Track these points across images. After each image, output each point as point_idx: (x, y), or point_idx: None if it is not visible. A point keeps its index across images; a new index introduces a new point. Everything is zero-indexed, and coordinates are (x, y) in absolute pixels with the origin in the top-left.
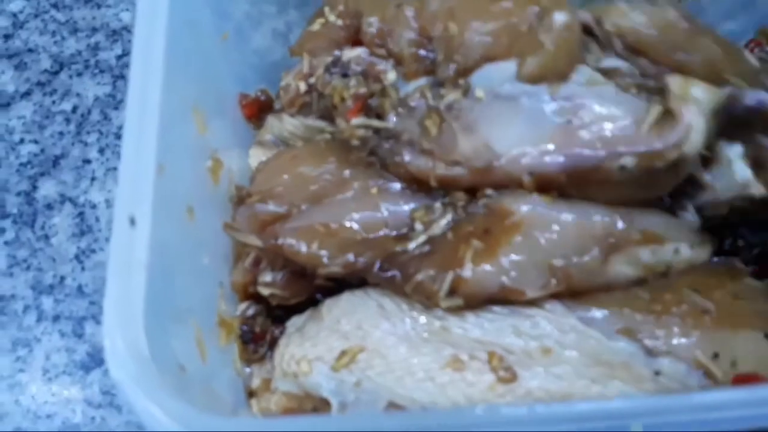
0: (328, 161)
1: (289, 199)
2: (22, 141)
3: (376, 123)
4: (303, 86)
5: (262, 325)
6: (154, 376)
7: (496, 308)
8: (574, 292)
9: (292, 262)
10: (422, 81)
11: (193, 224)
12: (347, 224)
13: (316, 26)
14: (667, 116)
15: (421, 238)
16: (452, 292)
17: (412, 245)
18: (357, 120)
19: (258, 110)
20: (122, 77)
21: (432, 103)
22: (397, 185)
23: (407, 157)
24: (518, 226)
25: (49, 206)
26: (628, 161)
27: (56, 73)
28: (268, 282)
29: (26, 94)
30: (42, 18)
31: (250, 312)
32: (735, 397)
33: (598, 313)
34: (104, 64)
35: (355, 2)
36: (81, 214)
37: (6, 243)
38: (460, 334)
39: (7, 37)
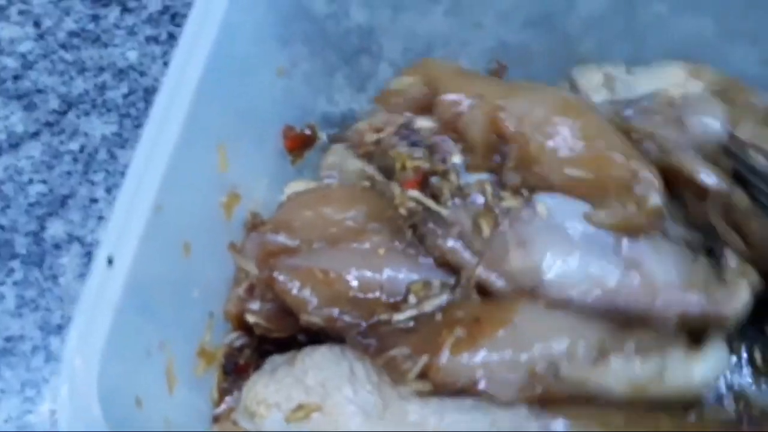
0: (357, 208)
1: (302, 235)
2: (30, 181)
3: (431, 204)
4: (372, 137)
5: (248, 359)
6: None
7: (463, 399)
8: (546, 400)
9: (279, 299)
10: (484, 176)
11: (188, 260)
12: (345, 277)
13: (400, 84)
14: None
15: (409, 313)
16: (423, 375)
17: (398, 317)
18: (414, 193)
19: (301, 144)
20: (128, 116)
21: (490, 202)
22: (409, 252)
23: (451, 245)
24: (509, 320)
25: (57, 246)
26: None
27: (64, 113)
28: (255, 310)
29: (35, 135)
30: (51, 58)
31: (238, 343)
32: None
33: (562, 426)
34: (111, 103)
35: (441, 75)
36: (88, 253)
37: (15, 283)
38: (417, 421)
39: (16, 77)
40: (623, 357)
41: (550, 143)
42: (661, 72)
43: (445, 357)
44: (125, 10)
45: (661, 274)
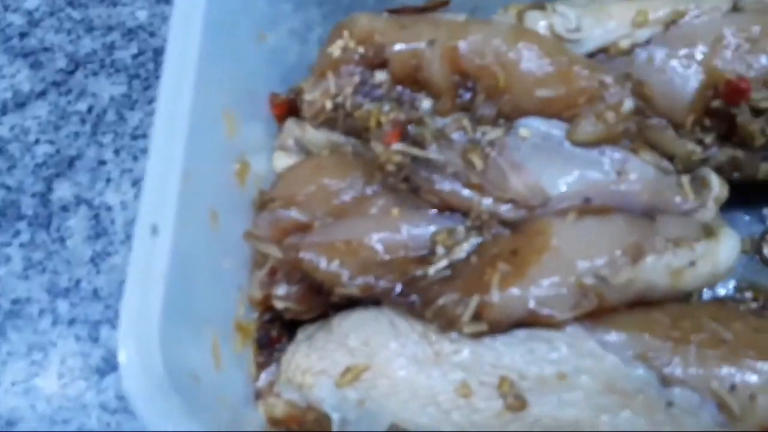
0: (353, 175)
1: (311, 209)
2: (37, 141)
3: (418, 151)
4: (329, 104)
5: (279, 330)
6: (166, 392)
7: (516, 331)
8: (597, 312)
9: (309, 277)
10: (458, 115)
11: (216, 230)
12: (368, 243)
13: (337, 51)
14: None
15: (443, 263)
16: (477, 317)
17: (432, 270)
18: (397, 146)
19: (289, 111)
20: (137, 77)
21: (473, 136)
22: (419, 208)
23: (449, 188)
24: (547, 244)
25: (64, 208)
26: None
27: (72, 72)
28: (283, 295)
29: (42, 94)
30: (57, 16)
31: (267, 317)
32: None
33: (617, 337)
34: (120, 64)
35: (378, 33)
36: (96, 216)
37: (21, 245)
38: (473, 358)
39: (22, 35)
40: (657, 252)
41: (516, 69)
42: (606, 20)
43: (495, 294)
44: None
45: (645, 175)
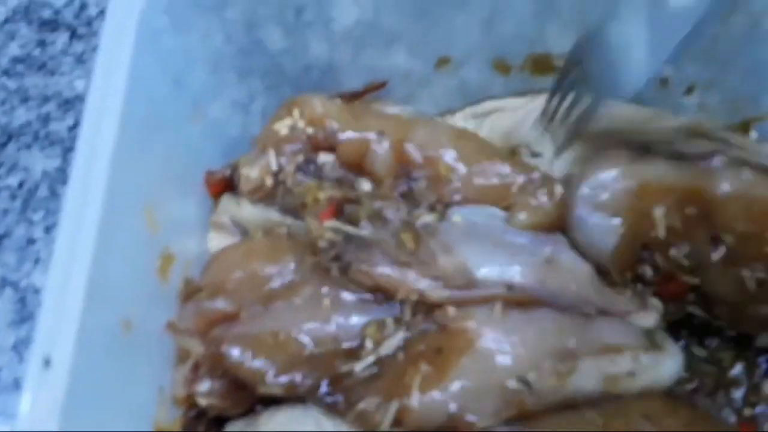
0: (285, 260)
1: (239, 297)
2: None
3: (351, 229)
4: (270, 181)
5: (206, 426)
6: None
7: None
8: (525, 415)
9: (232, 373)
10: (396, 200)
11: (129, 337)
12: (296, 335)
13: (284, 128)
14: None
15: (370, 359)
16: (398, 422)
17: (359, 367)
18: (331, 223)
19: (225, 188)
20: (73, 150)
21: (408, 219)
22: (350, 296)
23: (379, 267)
24: (470, 343)
25: None
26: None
27: (4, 144)
28: (206, 392)
29: None
30: None
31: (193, 413)
32: None
33: None
34: (55, 136)
35: (331, 119)
36: (22, 299)
37: None
38: None
39: None
40: (591, 356)
41: (457, 163)
42: None
43: (415, 398)
44: (74, 36)
45: (577, 270)
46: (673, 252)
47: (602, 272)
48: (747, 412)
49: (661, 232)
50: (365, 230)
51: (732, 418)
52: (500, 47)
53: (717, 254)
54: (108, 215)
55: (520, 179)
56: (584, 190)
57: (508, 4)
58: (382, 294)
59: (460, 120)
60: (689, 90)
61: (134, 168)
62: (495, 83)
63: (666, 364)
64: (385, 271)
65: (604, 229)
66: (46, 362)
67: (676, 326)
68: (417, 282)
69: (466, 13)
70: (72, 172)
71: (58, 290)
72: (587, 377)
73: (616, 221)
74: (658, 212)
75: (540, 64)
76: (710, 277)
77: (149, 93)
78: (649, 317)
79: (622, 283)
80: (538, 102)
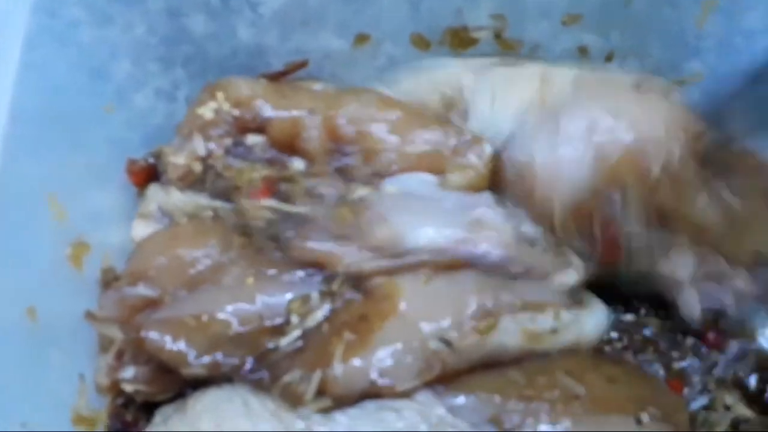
0: (209, 243)
1: (162, 283)
2: None
3: (288, 207)
4: (198, 166)
5: (135, 413)
6: None
7: (366, 403)
8: (449, 375)
9: (155, 358)
10: (330, 176)
11: (35, 324)
12: (220, 316)
13: (208, 112)
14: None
15: (295, 333)
16: (321, 392)
17: (284, 341)
18: (267, 201)
19: (149, 177)
20: None
21: (342, 194)
22: (276, 274)
23: (318, 242)
24: (393, 308)
25: None
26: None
27: None
28: (130, 378)
29: None
30: None
31: (121, 400)
32: None
33: (466, 401)
34: None
35: (258, 99)
36: None
37: None
38: None
39: None
40: (512, 313)
41: (388, 134)
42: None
43: (338, 366)
44: None
45: (502, 230)
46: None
47: (544, 226)
48: (675, 365)
49: (656, 170)
50: (302, 208)
51: (661, 372)
52: (418, 23)
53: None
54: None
55: (452, 142)
56: (569, 136)
57: None
58: (318, 269)
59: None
60: (608, 57)
61: (31, 159)
62: (417, 59)
63: (589, 320)
64: (323, 246)
65: (579, 160)
66: None
67: (605, 295)
68: (354, 254)
69: None
70: None
71: None
72: (508, 334)
73: (590, 160)
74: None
75: (460, 38)
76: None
77: (55, 85)
78: (571, 275)
79: (563, 235)
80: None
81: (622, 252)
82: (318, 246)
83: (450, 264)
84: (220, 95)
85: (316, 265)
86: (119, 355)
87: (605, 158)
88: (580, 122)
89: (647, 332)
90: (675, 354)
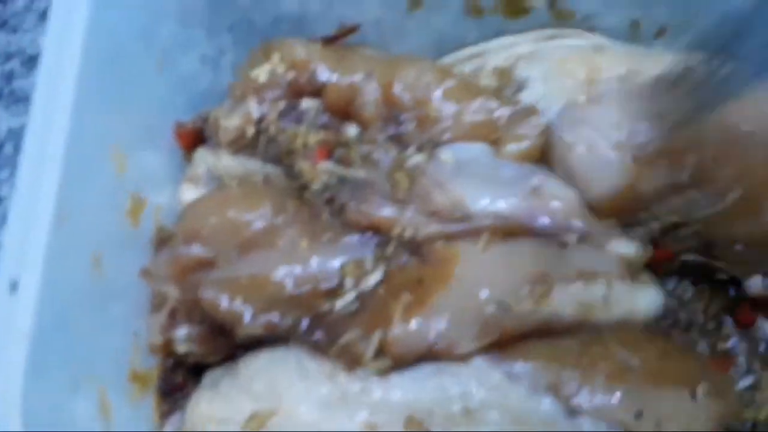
0: (262, 206)
1: (216, 244)
2: None
3: (344, 171)
4: (251, 130)
5: (184, 376)
6: None
7: (423, 365)
8: (504, 342)
9: (210, 318)
10: (384, 142)
11: (99, 274)
12: (275, 278)
13: (263, 74)
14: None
15: (350, 296)
16: (380, 352)
17: (340, 304)
18: (326, 165)
19: (196, 140)
20: None
21: (399, 159)
22: (332, 237)
23: (374, 205)
24: (450, 272)
25: None
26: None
27: None
28: (184, 337)
29: None
30: None
31: (171, 362)
32: None
33: (524, 367)
34: (20, 93)
35: (316, 62)
36: None
37: None
38: (380, 397)
39: None
40: (566, 281)
41: (444, 103)
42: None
43: (397, 327)
44: None
45: (564, 198)
46: (676, 200)
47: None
48: (720, 345)
49: (685, 175)
50: (359, 172)
51: (707, 352)
52: None
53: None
54: (72, 153)
55: (506, 112)
56: (605, 128)
57: None
58: (373, 233)
59: None
60: (660, 32)
61: (98, 115)
62: (470, 30)
63: (642, 297)
64: (382, 210)
65: (616, 168)
66: (13, 285)
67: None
68: (411, 219)
69: None
70: (32, 113)
71: (24, 215)
72: (563, 302)
73: (627, 158)
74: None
75: (513, 6)
76: (717, 221)
77: (113, 45)
78: (630, 245)
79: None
80: (519, 41)
81: (672, 258)
82: (374, 210)
83: (508, 230)
84: (275, 56)
85: (371, 229)
86: (172, 314)
87: (640, 158)
88: (618, 119)
89: (692, 311)
90: (720, 333)
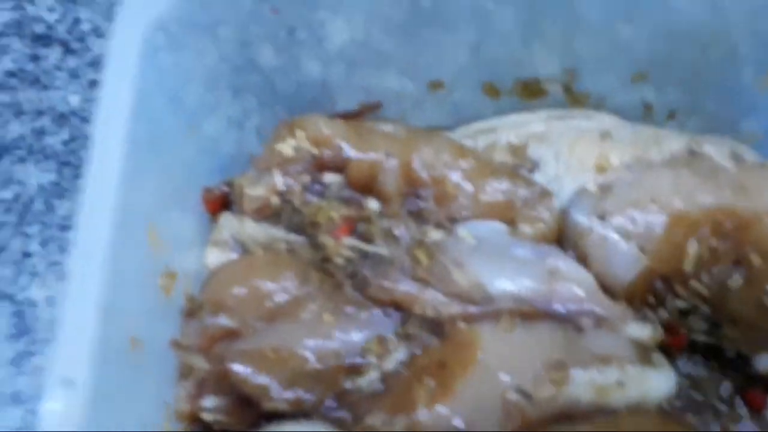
0: (286, 276)
1: (241, 314)
2: None
3: (367, 246)
4: (276, 200)
5: None
6: None
7: None
8: (524, 427)
9: (237, 389)
10: (403, 218)
11: (135, 354)
12: (299, 351)
13: (288, 149)
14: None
15: (374, 374)
16: None
17: (364, 382)
18: (349, 240)
19: (222, 205)
20: (68, 164)
21: (418, 236)
22: (354, 312)
23: (398, 283)
24: (474, 357)
25: None
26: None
27: None
28: (211, 408)
29: None
30: None
31: (197, 429)
32: None
33: None
34: (49, 150)
35: (338, 139)
36: (19, 312)
37: None
38: None
39: None
40: (582, 366)
41: (462, 181)
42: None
43: (422, 413)
44: (68, 51)
45: (581, 281)
46: (693, 283)
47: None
48: (732, 428)
49: (690, 265)
50: (381, 247)
51: None
52: (488, 71)
53: (740, 277)
54: (117, 234)
55: (522, 193)
56: (617, 218)
57: (495, 29)
58: (395, 309)
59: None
60: (671, 115)
61: (139, 186)
62: (486, 106)
63: (656, 380)
64: (404, 287)
65: (628, 257)
66: (67, 382)
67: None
68: (432, 297)
69: (454, 36)
70: (83, 192)
71: (75, 310)
72: (580, 388)
73: (642, 252)
74: (692, 247)
75: (529, 89)
76: (728, 300)
77: (150, 111)
78: (644, 328)
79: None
80: (530, 120)
81: (685, 340)
82: (396, 286)
83: (528, 313)
84: (299, 133)
85: (393, 305)
86: (200, 384)
87: (652, 251)
88: (630, 210)
89: (704, 391)
90: (733, 415)
